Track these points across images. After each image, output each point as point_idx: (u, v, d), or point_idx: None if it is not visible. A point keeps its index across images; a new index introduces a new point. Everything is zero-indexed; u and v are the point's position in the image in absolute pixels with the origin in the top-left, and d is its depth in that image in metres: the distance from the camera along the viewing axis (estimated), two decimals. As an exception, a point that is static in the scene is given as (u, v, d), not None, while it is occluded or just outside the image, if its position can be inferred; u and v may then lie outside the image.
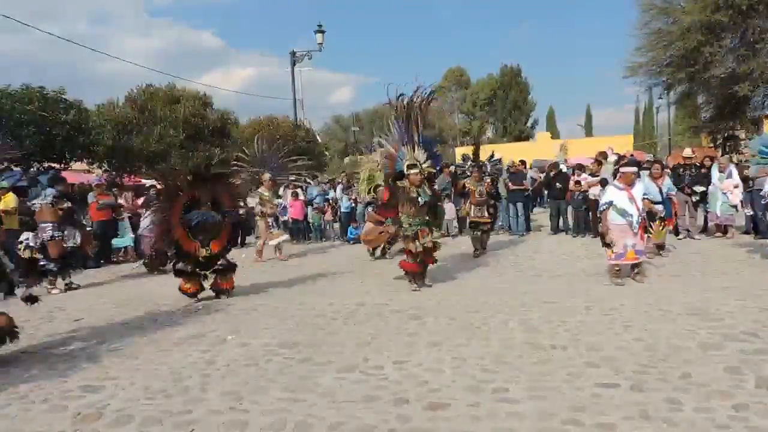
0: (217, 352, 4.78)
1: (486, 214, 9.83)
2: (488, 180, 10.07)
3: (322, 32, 23.08)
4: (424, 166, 7.19)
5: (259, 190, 10.52)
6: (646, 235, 7.27)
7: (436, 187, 7.75)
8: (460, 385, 3.80)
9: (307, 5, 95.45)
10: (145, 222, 9.91)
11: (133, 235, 11.69)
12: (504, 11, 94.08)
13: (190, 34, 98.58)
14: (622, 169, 7.27)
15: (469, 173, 10.20)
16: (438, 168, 8.00)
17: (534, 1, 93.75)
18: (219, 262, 7.09)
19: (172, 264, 7.25)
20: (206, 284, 7.13)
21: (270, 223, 10.68)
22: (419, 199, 7.06)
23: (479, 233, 9.89)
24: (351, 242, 12.89)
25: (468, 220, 10.30)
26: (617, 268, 6.93)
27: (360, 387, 3.86)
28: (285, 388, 3.89)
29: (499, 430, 3.17)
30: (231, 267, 7.24)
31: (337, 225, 14.25)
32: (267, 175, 10.47)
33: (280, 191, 13.66)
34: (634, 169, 7.30)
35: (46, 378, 4.31)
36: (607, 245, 6.89)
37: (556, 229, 12.45)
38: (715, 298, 5.85)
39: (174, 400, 3.77)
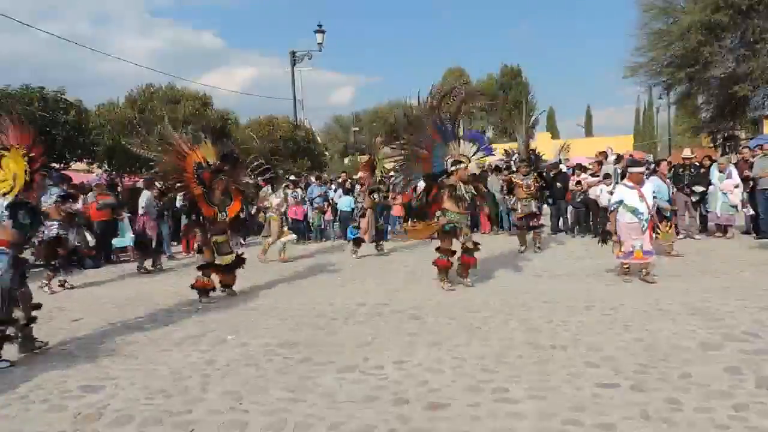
0: (217, 352, 4.78)
1: (533, 208, 9.81)
2: (535, 174, 9.96)
3: (322, 32, 23.08)
4: (474, 158, 7.05)
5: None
6: (654, 236, 7.27)
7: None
8: (460, 385, 3.81)
9: (307, 5, 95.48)
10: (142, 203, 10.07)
11: (133, 235, 11.68)
12: (504, 11, 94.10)
13: (191, 34, 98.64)
14: (630, 169, 7.28)
15: (515, 168, 10.18)
16: (490, 154, 7.79)
17: (534, 1, 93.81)
18: (231, 254, 7.17)
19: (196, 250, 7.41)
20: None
21: (281, 222, 10.64)
22: (466, 195, 6.93)
23: (527, 230, 9.93)
24: (351, 242, 12.86)
25: (515, 216, 10.26)
26: (627, 266, 6.95)
27: (360, 387, 3.86)
28: (285, 388, 3.89)
29: (499, 430, 3.17)
30: (239, 262, 7.30)
31: (337, 225, 14.24)
32: (280, 172, 10.48)
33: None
34: (643, 168, 7.34)
35: (46, 378, 4.31)
36: (605, 242, 6.96)
37: (556, 229, 12.44)
38: (715, 298, 5.85)
39: (174, 400, 3.77)
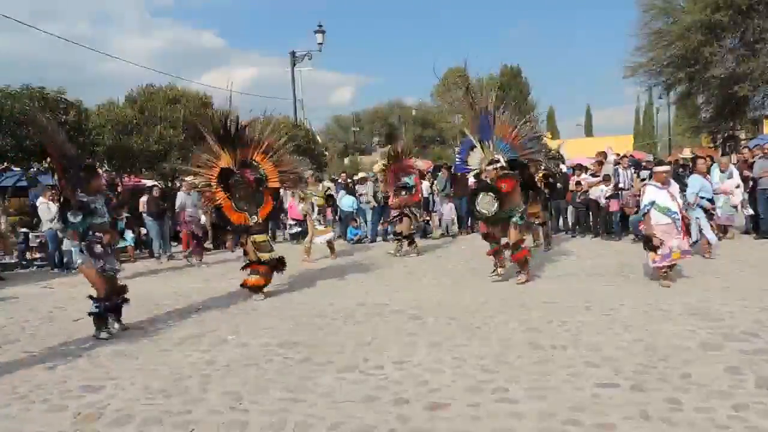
0: (217, 352, 4.78)
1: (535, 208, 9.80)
2: (539, 175, 9.81)
3: (323, 32, 23.06)
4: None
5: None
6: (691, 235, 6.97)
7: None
8: (460, 385, 3.80)
9: (308, 5, 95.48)
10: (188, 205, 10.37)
11: (133, 235, 11.71)
12: (504, 11, 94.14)
13: (192, 34, 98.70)
14: (655, 169, 7.13)
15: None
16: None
17: (533, 1, 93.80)
18: (272, 252, 7.16)
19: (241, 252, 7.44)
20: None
21: (316, 220, 10.48)
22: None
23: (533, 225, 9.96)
24: (351, 242, 12.89)
25: None
26: (664, 270, 6.65)
27: (360, 387, 3.86)
28: (285, 388, 3.89)
29: (499, 430, 3.17)
30: (279, 264, 7.27)
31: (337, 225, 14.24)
32: (309, 172, 10.41)
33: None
34: (668, 168, 7.14)
35: (46, 378, 4.31)
36: (653, 248, 6.61)
37: (556, 229, 12.45)
38: (715, 298, 5.85)
39: (174, 400, 3.77)
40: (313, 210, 10.31)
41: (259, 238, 7.15)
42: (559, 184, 12.18)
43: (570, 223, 12.43)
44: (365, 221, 13.38)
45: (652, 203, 6.66)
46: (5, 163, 11.96)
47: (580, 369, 4.00)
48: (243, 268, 7.23)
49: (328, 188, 10.91)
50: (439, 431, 3.19)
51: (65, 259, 10.01)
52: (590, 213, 11.62)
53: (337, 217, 14.03)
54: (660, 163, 7.68)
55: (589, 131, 56.09)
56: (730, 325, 4.87)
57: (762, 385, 3.56)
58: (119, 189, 13.08)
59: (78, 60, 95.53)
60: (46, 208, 10.26)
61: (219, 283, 8.13)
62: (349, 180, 15.72)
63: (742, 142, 19.51)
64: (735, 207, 10.15)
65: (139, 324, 5.93)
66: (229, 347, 4.93)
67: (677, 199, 6.75)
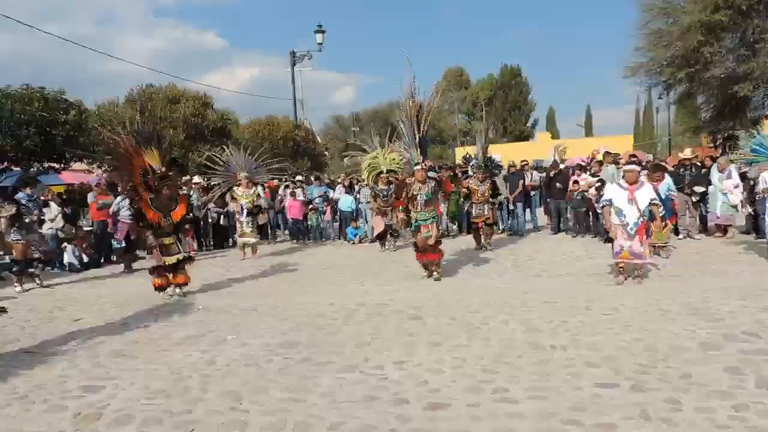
0: (217, 352, 4.78)
1: (485, 211, 10.12)
2: (490, 182, 10.32)
3: (322, 32, 23.08)
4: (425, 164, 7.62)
5: (235, 188, 10.65)
6: (645, 238, 6.94)
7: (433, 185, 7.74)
8: (460, 385, 3.81)
9: (308, 5, 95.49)
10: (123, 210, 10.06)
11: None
12: (504, 11, 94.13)
13: (193, 34, 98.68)
14: (624, 168, 7.25)
15: (472, 173, 10.33)
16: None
17: (534, 1, 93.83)
18: (180, 254, 7.11)
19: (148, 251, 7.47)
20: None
21: (244, 222, 10.57)
22: (418, 196, 7.48)
23: (481, 229, 10.23)
24: (351, 242, 12.88)
25: (472, 219, 10.56)
26: (621, 267, 6.86)
27: (360, 387, 3.86)
28: (285, 388, 3.89)
29: (499, 430, 3.17)
30: (187, 260, 7.26)
31: (336, 225, 14.23)
32: (243, 174, 10.54)
33: (280, 191, 13.67)
34: (636, 168, 7.21)
35: (46, 378, 4.31)
36: (610, 240, 6.99)
37: (556, 229, 12.44)
38: (715, 298, 5.84)
39: (174, 400, 3.77)
40: (242, 211, 10.47)
41: (167, 240, 7.09)
42: (558, 184, 12.22)
43: (570, 224, 12.42)
44: (366, 221, 13.36)
45: (609, 201, 6.87)
46: (5, 163, 11.97)
47: (580, 369, 4.00)
48: (150, 272, 7.24)
49: (259, 194, 10.97)
50: (439, 431, 3.19)
51: (65, 260, 10.01)
52: (590, 213, 11.61)
53: (335, 217, 14.02)
54: (629, 162, 7.70)
55: (589, 131, 56.12)
56: (730, 325, 4.87)
57: (762, 385, 3.56)
58: (119, 189, 13.07)
59: (78, 60, 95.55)
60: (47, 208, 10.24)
61: (219, 283, 8.13)
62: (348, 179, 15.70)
63: (742, 142, 19.45)
64: (735, 207, 10.15)
65: (140, 324, 5.92)
66: (229, 347, 4.93)
67: (639, 203, 6.66)
